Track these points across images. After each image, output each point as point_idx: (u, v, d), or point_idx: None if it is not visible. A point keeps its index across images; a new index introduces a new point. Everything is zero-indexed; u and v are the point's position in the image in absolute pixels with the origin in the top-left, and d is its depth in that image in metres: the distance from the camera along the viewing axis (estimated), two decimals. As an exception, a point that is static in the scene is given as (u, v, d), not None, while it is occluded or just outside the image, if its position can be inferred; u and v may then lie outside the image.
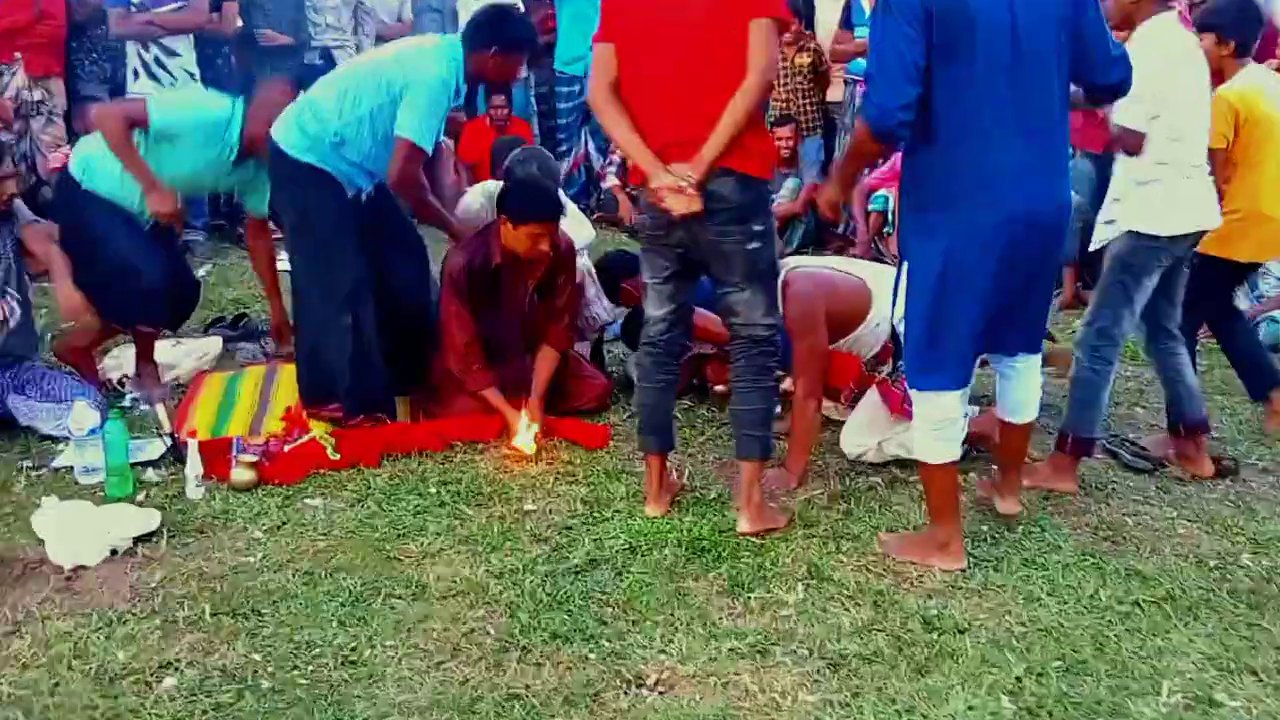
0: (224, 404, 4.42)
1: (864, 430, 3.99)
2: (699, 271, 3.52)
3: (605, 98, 3.37)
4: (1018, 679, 2.76)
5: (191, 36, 6.83)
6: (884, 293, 3.80)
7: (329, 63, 7.82)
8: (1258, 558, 3.44)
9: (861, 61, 7.30)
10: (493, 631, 2.91)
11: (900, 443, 3.89)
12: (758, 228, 3.34)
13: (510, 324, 4.37)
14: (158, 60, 6.66)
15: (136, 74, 6.72)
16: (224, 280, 6.37)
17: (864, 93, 3.56)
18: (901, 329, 3.36)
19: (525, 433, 4.05)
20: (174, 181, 4.34)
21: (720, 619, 3.00)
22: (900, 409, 3.82)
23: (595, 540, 3.40)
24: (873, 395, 4.00)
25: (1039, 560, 3.35)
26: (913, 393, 3.28)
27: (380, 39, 8.11)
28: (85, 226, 4.30)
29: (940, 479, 3.26)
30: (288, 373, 4.49)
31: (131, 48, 6.73)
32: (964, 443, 3.40)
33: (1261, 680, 2.80)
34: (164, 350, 4.81)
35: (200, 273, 6.42)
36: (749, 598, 3.10)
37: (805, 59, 7.59)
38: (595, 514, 3.59)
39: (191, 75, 6.80)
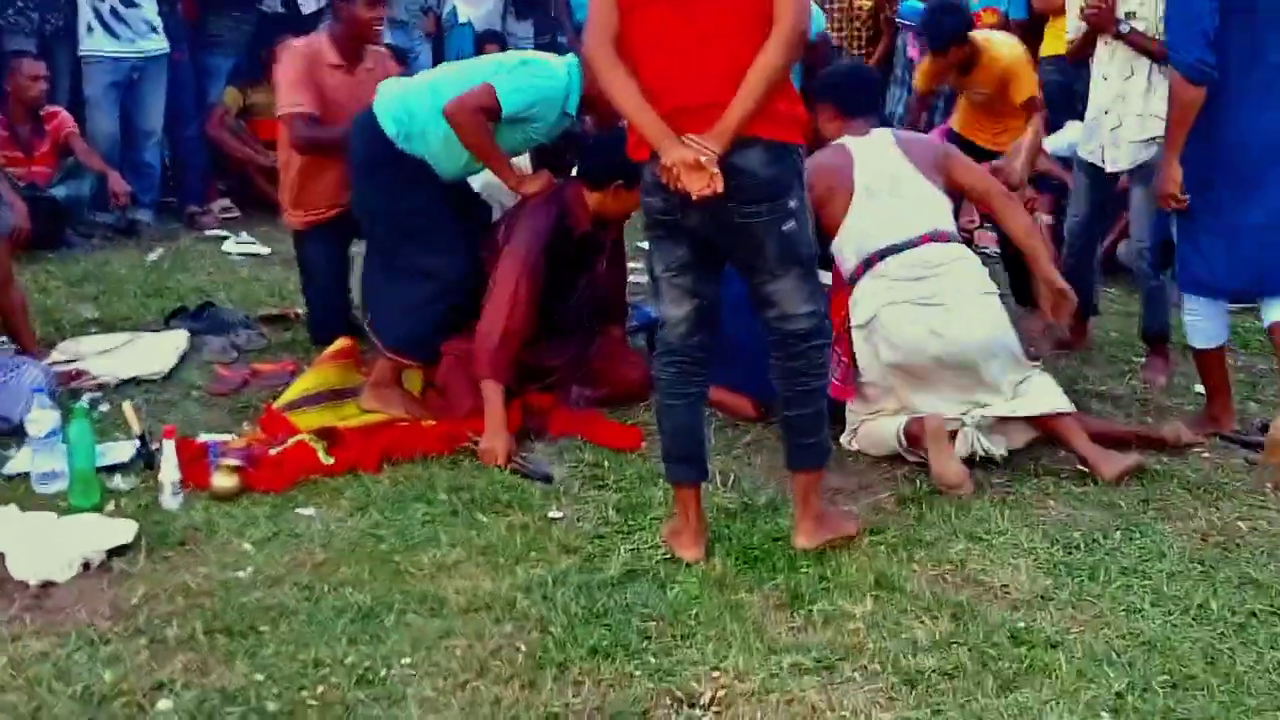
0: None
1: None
2: (722, 260, 3.55)
3: (606, 56, 3.37)
4: (1119, 695, 2.96)
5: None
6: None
7: (292, 9, 8.11)
8: (1391, 565, 3.64)
9: (914, 2, 7.54)
10: (523, 648, 3.12)
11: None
12: (793, 203, 3.37)
13: (578, 300, 4.71)
14: (114, 11, 6.90)
15: (91, 28, 6.98)
16: (180, 265, 6.62)
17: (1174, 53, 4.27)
18: None
19: (499, 439, 4.25)
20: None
21: (779, 633, 3.20)
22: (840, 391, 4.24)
23: (632, 550, 3.61)
24: None
25: (1140, 568, 3.56)
26: None
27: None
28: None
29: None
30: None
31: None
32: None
33: (1394, 695, 3.00)
34: (112, 345, 5.07)
35: (152, 257, 6.71)
36: (810, 610, 3.30)
37: (867, 1, 7.79)
38: (630, 522, 3.80)
39: (153, 27, 7.06)
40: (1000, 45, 5.86)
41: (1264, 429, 4.51)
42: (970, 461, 4.16)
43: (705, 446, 3.68)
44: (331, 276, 5.34)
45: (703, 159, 3.20)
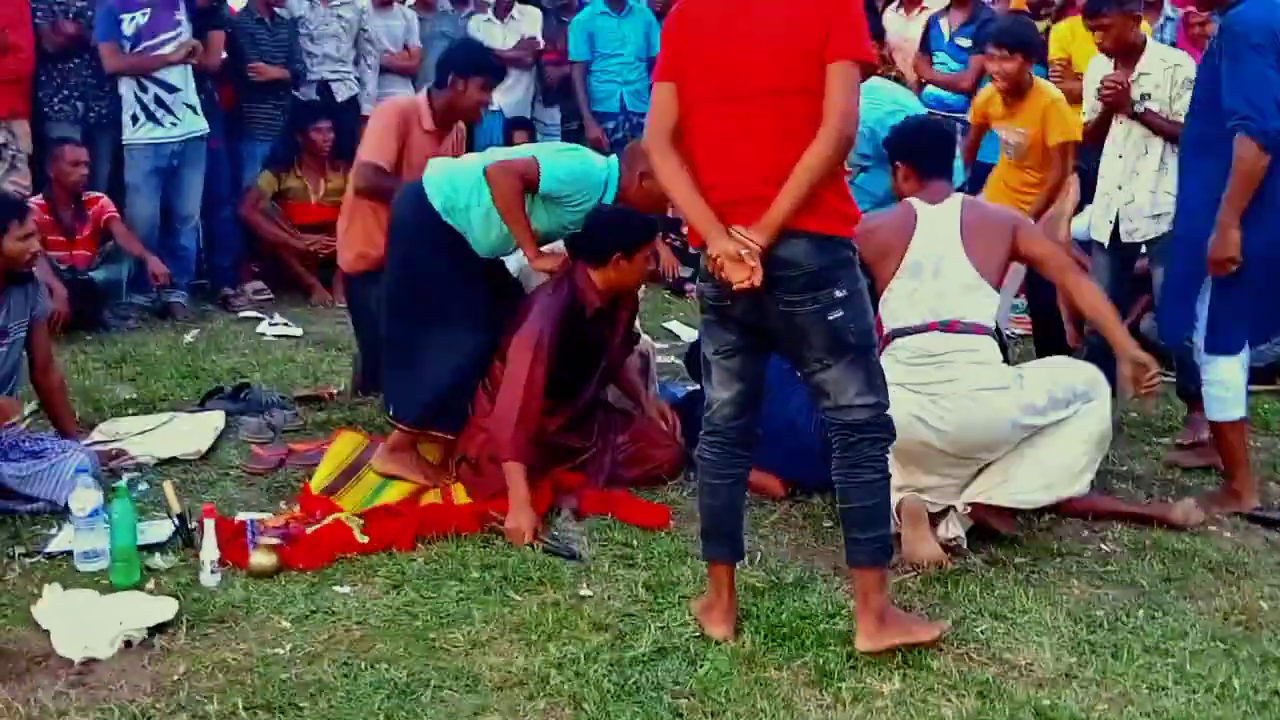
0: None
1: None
2: (770, 346, 3.60)
3: (663, 145, 3.50)
4: (1143, 772, 3.01)
5: (189, 68, 7.28)
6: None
7: (327, 97, 8.31)
8: None
9: (937, 91, 7.68)
10: (557, 724, 3.19)
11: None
12: (840, 294, 3.39)
13: (591, 377, 4.80)
14: (158, 99, 7.11)
15: (136, 119, 7.18)
16: (215, 347, 6.73)
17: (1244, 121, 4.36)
18: None
19: (523, 516, 4.32)
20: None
21: (809, 710, 3.26)
22: None
23: (662, 628, 3.67)
24: None
25: (1163, 646, 3.60)
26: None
27: (385, 70, 8.60)
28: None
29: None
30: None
31: (128, 89, 7.20)
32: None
33: None
34: (151, 425, 5.19)
35: (188, 338, 6.84)
36: (839, 688, 3.36)
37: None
38: (660, 600, 3.86)
39: (193, 109, 7.26)
40: (1047, 84, 5.99)
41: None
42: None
43: (743, 527, 3.75)
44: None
45: (743, 252, 3.29)
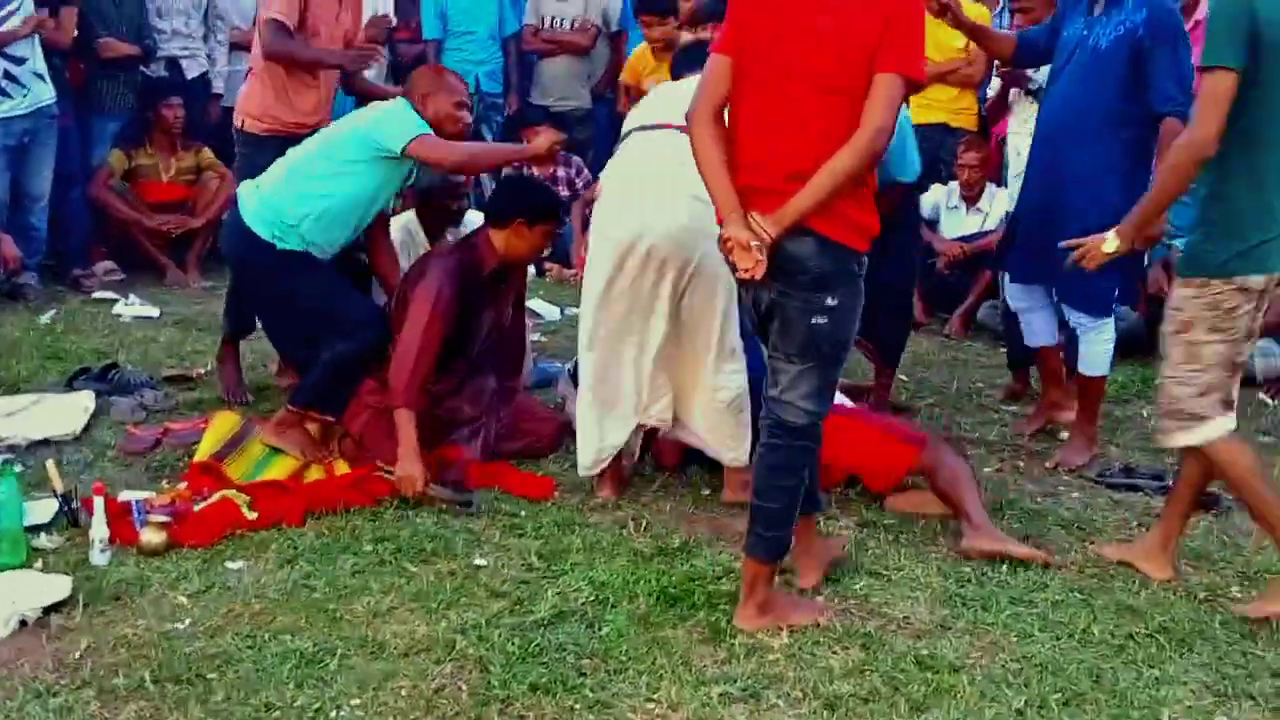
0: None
1: None
2: None
3: (706, 116, 3.47)
4: (1018, 712, 3.23)
5: (35, 37, 7.06)
6: None
7: (177, 74, 8.17)
8: (1247, 589, 4.00)
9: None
10: (466, 687, 3.27)
11: None
12: (831, 302, 3.41)
13: (485, 340, 4.89)
14: (6, 73, 6.89)
15: (-13, 95, 6.96)
16: (73, 328, 6.59)
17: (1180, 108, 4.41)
18: None
19: (413, 464, 4.39)
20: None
21: (705, 666, 3.41)
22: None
23: (559, 593, 3.78)
24: None
25: (1027, 598, 3.85)
26: None
27: (235, 47, 8.46)
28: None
29: None
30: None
31: None
32: None
33: (1259, 704, 3.33)
34: (19, 407, 5.09)
35: (44, 319, 6.68)
36: (733, 644, 3.52)
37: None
38: (553, 567, 3.97)
39: (41, 77, 7.04)
40: None
41: (1126, 471, 4.88)
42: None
43: (816, 485, 3.80)
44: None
45: (754, 243, 3.32)
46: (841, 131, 3.31)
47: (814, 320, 3.43)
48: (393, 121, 4.73)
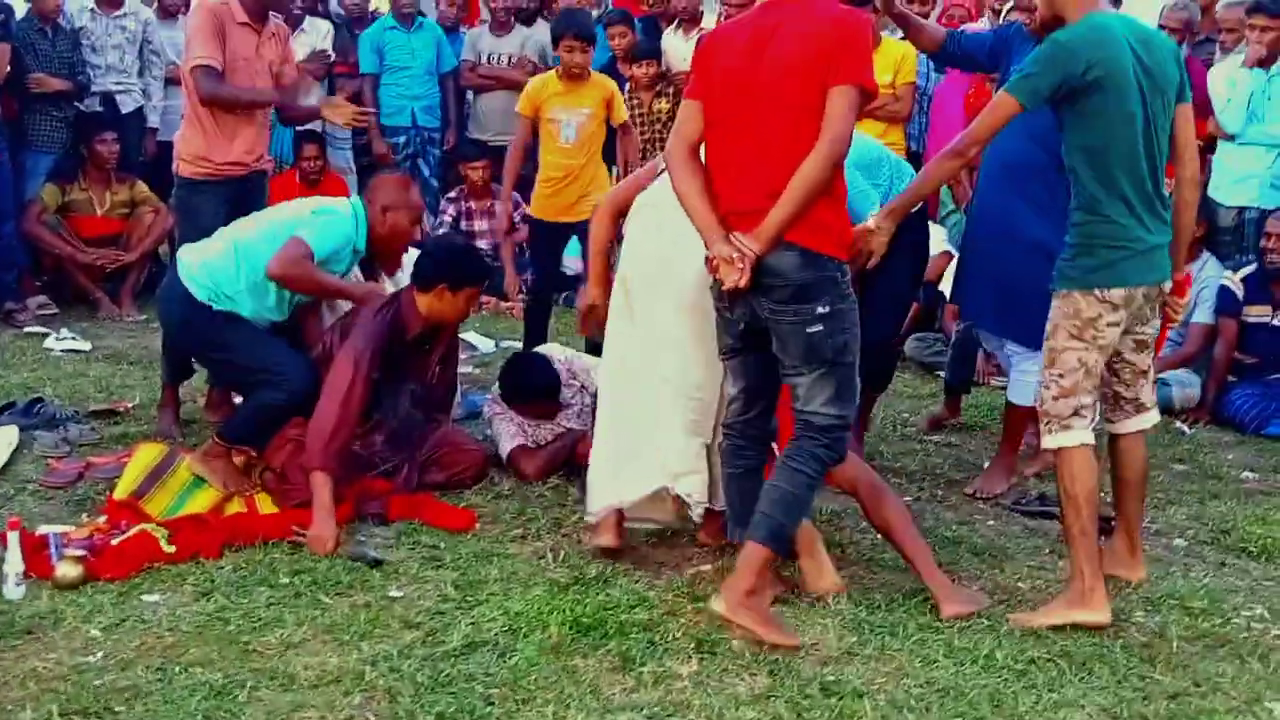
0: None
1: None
2: (766, 349, 3.81)
3: (683, 155, 3.80)
4: (918, 736, 3.29)
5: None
6: None
7: (111, 109, 8.17)
8: (1150, 615, 4.07)
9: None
10: (374, 717, 3.30)
11: None
12: (821, 310, 3.64)
13: (406, 397, 4.91)
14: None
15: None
16: (2, 363, 6.57)
17: None
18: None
19: (325, 526, 4.39)
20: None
21: (614, 694, 3.44)
22: None
23: (472, 624, 3.81)
24: None
25: (934, 624, 3.91)
26: None
27: (171, 82, 8.47)
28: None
29: None
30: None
31: None
32: None
33: (1154, 727, 3.40)
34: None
35: (-29, 354, 6.64)
36: (641, 672, 3.55)
37: (664, 104, 8.21)
38: (468, 598, 4.00)
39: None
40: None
41: (1041, 499, 4.97)
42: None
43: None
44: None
45: (736, 256, 3.57)
46: (809, 147, 3.57)
47: (809, 330, 3.65)
48: (326, 235, 4.86)
